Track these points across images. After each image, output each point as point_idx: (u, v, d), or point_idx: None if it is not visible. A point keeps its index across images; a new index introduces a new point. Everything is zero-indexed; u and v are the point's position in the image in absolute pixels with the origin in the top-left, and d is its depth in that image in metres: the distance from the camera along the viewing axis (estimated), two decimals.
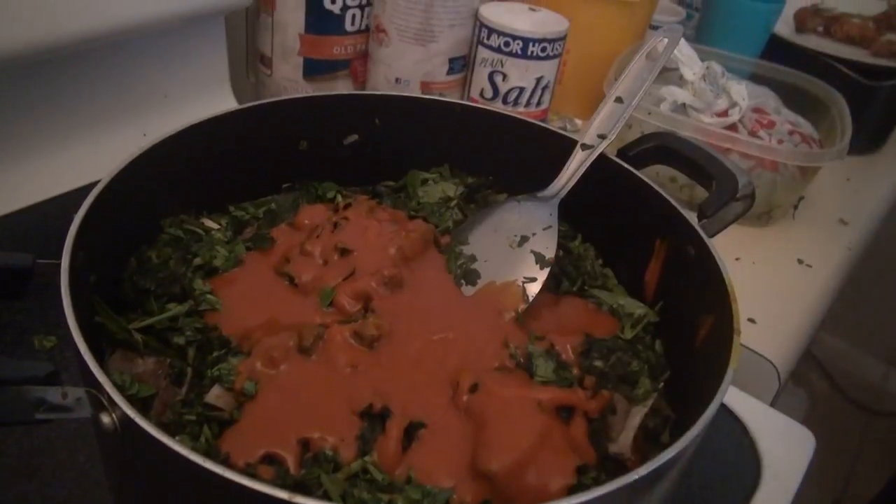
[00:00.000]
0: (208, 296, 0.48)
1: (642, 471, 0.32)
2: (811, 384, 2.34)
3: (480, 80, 0.88)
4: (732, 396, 0.65)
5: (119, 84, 0.78)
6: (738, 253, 0.86)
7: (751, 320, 0.76)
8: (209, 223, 0.55)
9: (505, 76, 0.87)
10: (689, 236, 0.50)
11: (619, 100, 0.57)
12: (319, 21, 0.88)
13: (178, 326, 0.46)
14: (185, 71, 0.85)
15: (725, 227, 0.52)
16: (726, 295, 0.45)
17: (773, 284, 0.82)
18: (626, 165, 0.56)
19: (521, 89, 0.88)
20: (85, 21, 0.68)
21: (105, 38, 0.72)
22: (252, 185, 0.58)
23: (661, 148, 0.56)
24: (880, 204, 1.05)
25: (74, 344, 0.33)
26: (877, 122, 1.15)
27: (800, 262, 0.87)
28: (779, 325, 0.76)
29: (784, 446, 0.60)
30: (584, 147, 0.56)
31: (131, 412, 0.31)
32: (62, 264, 0.37)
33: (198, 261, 0.51)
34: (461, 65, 0.91)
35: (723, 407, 0.63)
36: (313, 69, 0.91)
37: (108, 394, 0.32)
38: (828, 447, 2.19)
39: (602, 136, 0.56)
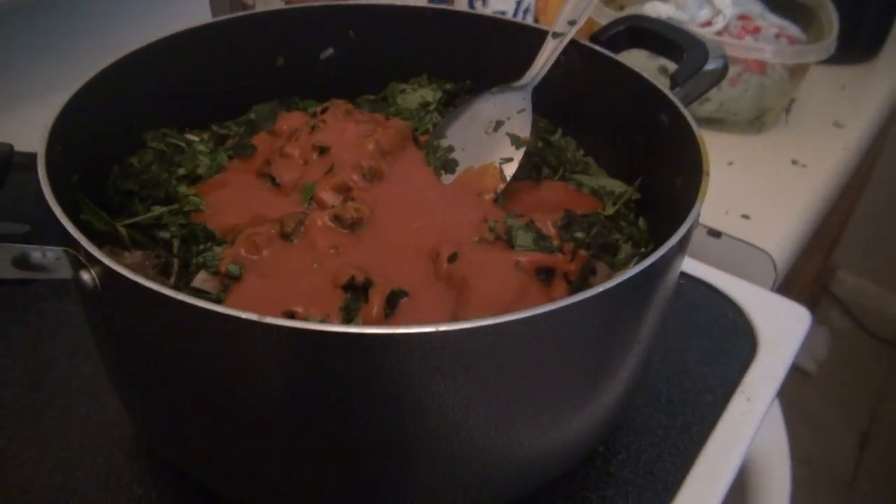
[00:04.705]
0: (192, 198, 0.49)
1: (609, 283, 0.33)
2: (832, 323, 2.33)
3: (461, 6, 0.88)
4: (729, 284, 0.65)
5: (99, 31, 0.79)
6: (731, 157, 0.86)
7: (745, 216, 0.76)
8: (191, 137, 0.56)
9: (485, 1, 0.87)
10: (661, 105, 0.50)
11: None
12: None
13: (163, 223, 0.47)
14: (165, 16, 0.86)
15: (701, 94, 0.52)
16: (698, 149, 0.45)
17: (767, 184, 0.82)
18: (598, 48, 0.56)
19: (503, 13, 0.88)
20: None
21: None
22: (233, 103, 0.59)
23: (632, 29, 0.56)
24: (877, 105, 1.04)
25: (48, 207, 0.34)
26: (871, 30, 1.14)
27: (794, 162, 0.86)
28: (773, 219, 0.76)
29: (779, 322, 0.61)
30: (556, 35, 0.56)
31: (108, 261, 0.32)
32: (39, 139, 0.38)
33: (181, 171, 0.52)
34: None
35: (719, 293, 0.64)
36: None
37: (84, 249, 0.33)
38: (852, 383, 2.17)
39: (572, 23, 0.56)
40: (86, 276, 0.34)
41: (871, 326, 2.29)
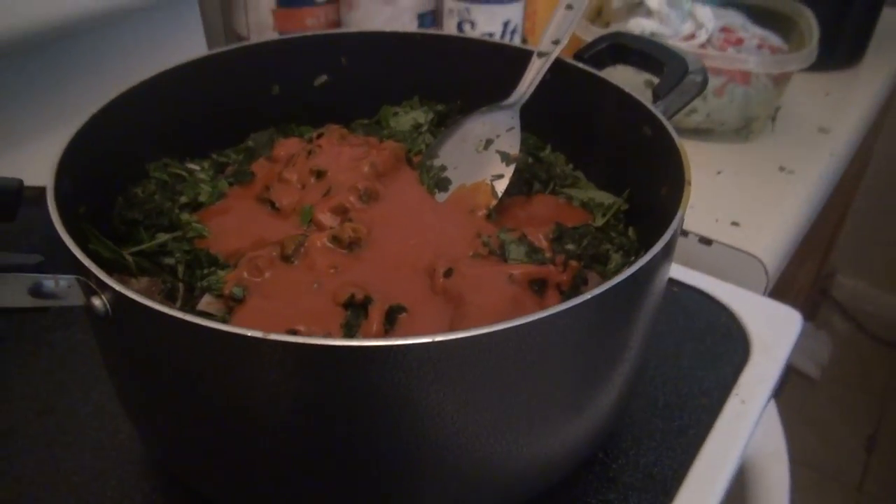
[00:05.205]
0: (195, 224, 0.51)
1: (596, 290, 0.34)
2: (833, 327, 2.34)
3: (450, 31, 0.91)
4: (721, 290, 0.67)
5: (94, 73, 0.81)
6: (719, 167, 0.88)
7: (735, 224, 0.78)
8: (192, 166, 0.57)
9: (473, 24, 0.89)
10: (644, 118, 0.52)
11: (569, 6, 0.59)
12: None
13: (167, 250, 0.49)
14: (162, 56, 0.88)
15: (682, 107, 0.54)
16: (680, 160, 0.47)
17: (756, 191, 0.84)
18: (582, 66, 0.58)
19: (491, 35, 0.90)
20: (54, 8, 0.71)
21: (76, 26, 0.75)
22: (231, 131, 0.61)
23: (614, 46, 0.58)
24: (862, 110, 1.06)
25: (59, 237, 0.36)
26: (851, 37, 1.16)
27: (781, 169, 0.88)
28: (763, 225, 0.78)
29: (771, 325, 0.62)
30: (541, 55, 0.58)
31: (119, 287, 0.34)
32: (48, 172, 0.40)
33: (183, 199, 0.54)
34: (430, 20, 0.94)
35: (712, 299, 0.66)
36: None
37: (95, 276, 0.35)
38: (857, 387, 2.17)
39: (556, 42, 0.58)
40: (97, 302, 0.35)
41: (873, 329, 2.30)
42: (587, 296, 0.34)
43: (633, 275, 0.36)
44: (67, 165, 0.43)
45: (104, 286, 0.35)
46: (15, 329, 0.58)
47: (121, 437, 0.51)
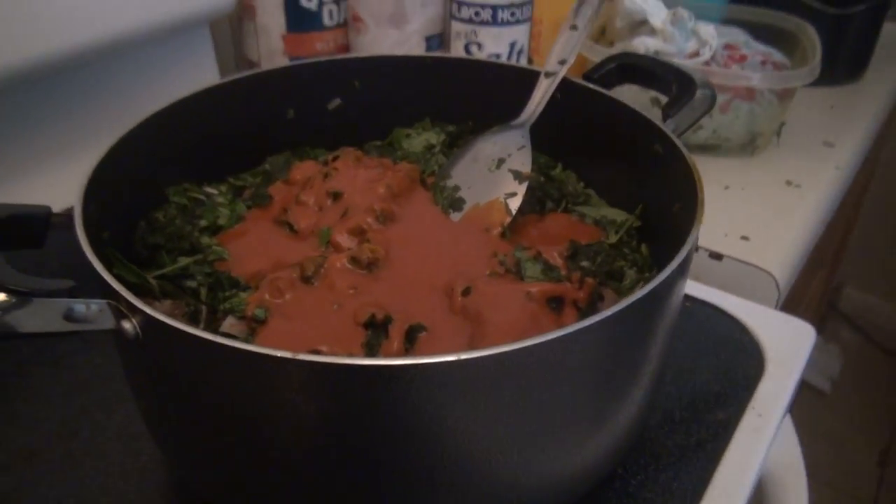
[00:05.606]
0: (215, 247, 0.52)
1: (615, 308, 0.35)
2: (843, 341, 2.33)
3: (457, 53, 0.92)
4: (734, 304, 0.67)
5: (108, 100, 0.82)
6: (726, 182, 0.88)
7: (744, 238, 0.78)
8: (210, 190, 0.58)
9: (480, 45, 0.91)
10: (655, 136, 0.53)
11: (573, 27, 0.60)
12: (299, 20, 0.93)
13: (189, 273, 0.49)
14: (175, 84, 0.89)
15: (692, 124, 0.55)
16: (693, 177, 0.47)
17: (764, 205, 0.85)
18: (592, 86, 0.59)
19: (497, 56, 0.92)
20: (64, 38, 0.72)
21: (88, 55, 0.76)
22: (248, 155, 0.62)
23: (623, 66, 0.60)
24: (866, 123, 1.07)
25: (88, 261, 0.37)
26: (853, 50, 1.17)
27: (788, 183, 0.89)
28: (772, 239, 0.79)
29: (784, 339, 0.62)
30: (548, 74, 0.59)
31: (149, 310, 0.35)
32: (75, 199, 0.41)
33: (203, 223, 0.55)
34: (437, 43, 0.95)
35: (725, 313, 0.66)
36: None
37: (125, 300, 0.35)
38: (869, 400, 2.16)
39: (562, 62, 0.59)
40: (127, 325, 0.36)
41: (883, 342, 2.29)
42: (607, 313, 0.35)
43: (651, 291, 0.36)
44: (92, 191, 0.44)
45: (134, 309, 0.35)
46: (36, 353, 0.59)
47: (143, 460, 0.51)
